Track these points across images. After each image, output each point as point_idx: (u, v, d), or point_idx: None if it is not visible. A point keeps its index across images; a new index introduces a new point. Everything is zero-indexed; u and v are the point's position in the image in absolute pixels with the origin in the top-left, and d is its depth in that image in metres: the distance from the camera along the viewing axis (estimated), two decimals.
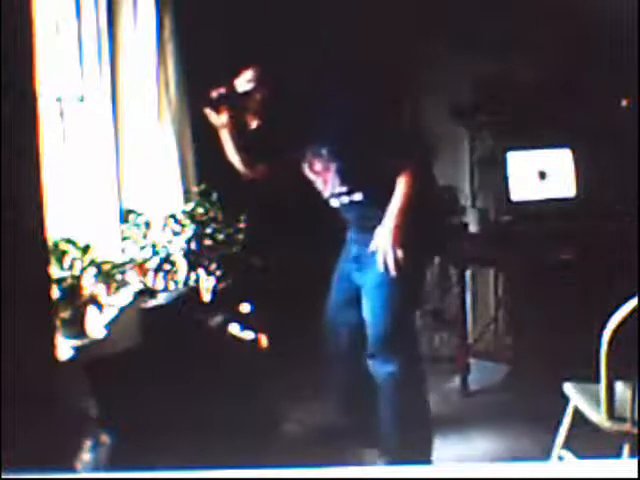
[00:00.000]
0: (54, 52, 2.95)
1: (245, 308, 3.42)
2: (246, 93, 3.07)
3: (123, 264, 2.96)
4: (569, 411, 2.85)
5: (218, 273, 3.32)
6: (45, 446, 1.90)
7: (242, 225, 3.40)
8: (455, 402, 3.98)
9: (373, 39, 4.09)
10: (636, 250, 3.35)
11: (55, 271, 2.53)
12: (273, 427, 3.27)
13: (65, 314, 2.57)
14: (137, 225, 3.26)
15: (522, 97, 4.25)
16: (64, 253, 2.61)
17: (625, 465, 2.09)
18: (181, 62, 3.60)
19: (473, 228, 4.24)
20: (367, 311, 3.06)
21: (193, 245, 3.26)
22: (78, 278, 2.62)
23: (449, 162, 4.43)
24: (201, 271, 3.29)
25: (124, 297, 2.98)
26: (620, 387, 2.66)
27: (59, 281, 2.55)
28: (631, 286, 2.64)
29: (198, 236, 3.28)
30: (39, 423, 1.91)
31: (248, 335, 3.30)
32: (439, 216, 3.33)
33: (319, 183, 3.15)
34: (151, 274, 3.19)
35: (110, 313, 2.81)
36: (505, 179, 4.12)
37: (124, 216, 3.30)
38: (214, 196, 3.40)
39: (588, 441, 2.73)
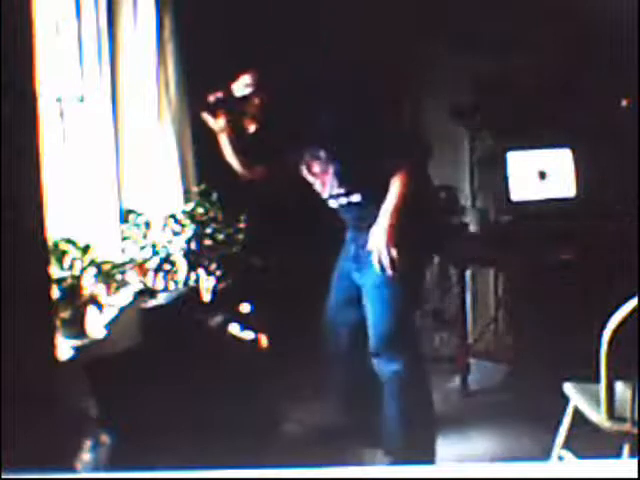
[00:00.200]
0: (54, 52, 2.95)
1: (245, 308, 3.42)
2: (244, 97, 3.07)
3: (123, 264, 2.96)
4: (569, 411, 2.85)
5: (218, 273, 3.32)
6: (45, 446, 1.90)
7: (242, 225, 3.40)
8: (455, 402, 3.98)
9: (373, 39, 4.08)
10: (636, 250, 3.35)
11: (55, 271, 2.53)
12: (273, 427, 3.27)
13: (65, 314, 2.57)
14: (137, 225, 3.26)
15: (522, 97, 4.25)
16: (64, 253, 2.61)
17: (625, 465, 2.09)
18: (181, 62, 3.60)
19: (473, 228, 4.24)
20: (369, 311, 3.07)
21: (193, 245, 3.26)
22: (78, 278, 2.62)
23: (449, 162, 4.43)
24: (201, 271, 3.29)
25: (124, 297, 2.98)
26: (620, 387, 2.66)
27: (59, 281, 2.54)
28: (631, 286, 2.64)
29: (198, 236, 3.28)
30: (39, 423, 1.91)
31: (248, 335, 3.30)
32: (436, 215, 3.33)
33: (317, 185, 3.16)
34: (151, 274, 3.20)
35: (110, 313, 2.81)
36: (505, 179, 4.12)
37: (124, 216, 3.30)
38: (214, 196, 3.40)
39: (588, 441, 2.73)
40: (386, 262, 2.92)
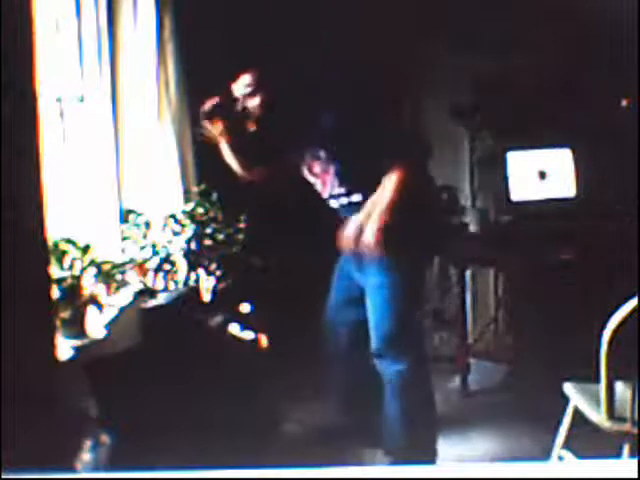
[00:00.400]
0: (54, 52, 2.95)
1: (245, 308, 3.42)
2: (245, 96, 3.06)
3: (123, 264, 2.96)
4: (569, 411, 2.85)
5: (218, 273, 3.32)
6: (45, 446, 1.90)
7: (242, 225, 3.40)
8: (455, 402, 3.98)
9: (373, 39, 4.08)
10: (636, 250, 3.35)
11: (55, 271, 2.53)
12: (273, 427, 3.27)
13: (65, 314, 2.57)
14: (137, 225, 3.26)
15: (522, 97, 4.25)
16: (64, 253, 2.61)
17: (625, 465, 2.09)
18: (181, 62, 3.60)
19: (473, 228, 4.24)
20: (371, 311, 3.06)
21: (193, 245, 3.26)
22: (78, 278, 2.62)
23: (449, 162, 4.43)
24: (201, 271, 3.29)
25: (124, 297, 2.98)
26: (620, 387, 2.66)
27: (59, 281, 2.54)
28: (631, 286, 2.64)
29: (198, 236, 3.28)
30: (39, 423, 1.91)
31: (248, 335, 3.30)
32: (438, 215, 3.33)
33: (318, 185, 3.16)
34: (151, 274, 3.20)
35: (110, 313, 2.81)
36: (505, 179, 4.12)
37: (124, 216, 3.30)
38: (214, 196, 3.40)
39: (588, 441, 2.73)
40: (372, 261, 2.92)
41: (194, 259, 3.26)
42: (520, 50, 4.12)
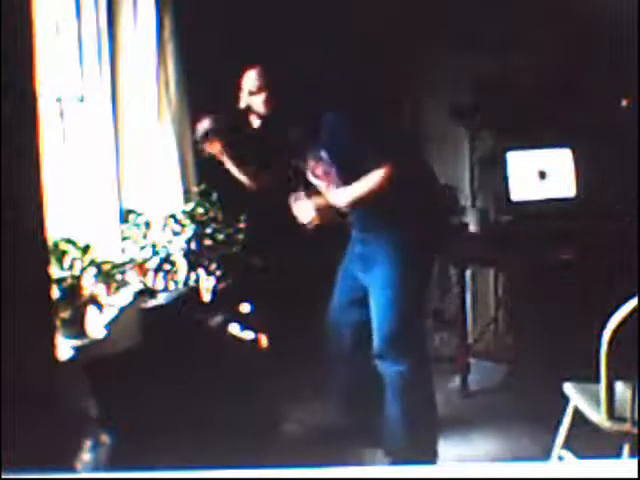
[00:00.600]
0: (54, 52, 2.95)
1: (245, 308, 3.42)
2: (249, 93, 3.05)
3: (123, 264, 2.96)
4: (569, 411, 2.85)
5: (218, 273, 3.32)
6: (45, 446, 1.90)
7: (242, 225, 3.40)
8: (455, 402, 3.98)
9: (373, 39, 4.08)
10: (636, 250, 3.35)
11: (55, 271, 2.53)
12: (273, 427, 3.27)
13: (65, 314, 2.57)
14: (137, 225, 3.26)
15: (522, 97, 4.25)
16: (64, 253, 2.61)
17: (625, 465, 2.09)
18: (181, 62, 3.60)
19: (473, 228, 4.24)
20: (374, 311, 3.06)
21: (193, 245, 3.26)
22: (78, 278, 2.62)
23: (449, 162, 4.43)
24: (201, 271, 3.29)
25: (124, 297, 2.98)
26: (620, 387, 2.66)
27: (59, 281, 2.55)
28: (631, 286, 2.64)
29: (198, 236, 3.28)
30: (39, 423, 1.91)
31: (248, 335, 3.30)
32: (441, 215, 3.31)
33: (322, 187, 3.14)
34: (151, 274, 3.20)
35: (110, 313, 2.81)
36: (505, 179, 4.12)
37: (124, 216, 3.30)
38: (214, 196, 3.40)
39: (588, 441, 2.73)
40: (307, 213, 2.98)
41: (194, 259, 3.26)
42: (520, 50, 4.12)
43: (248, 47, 3.63)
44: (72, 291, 2.58)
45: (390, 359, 3.03)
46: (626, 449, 2.59)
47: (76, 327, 2.62)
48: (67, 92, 3.06)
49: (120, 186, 3.35)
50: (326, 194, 3.07)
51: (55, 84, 2.97)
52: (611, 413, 2.60)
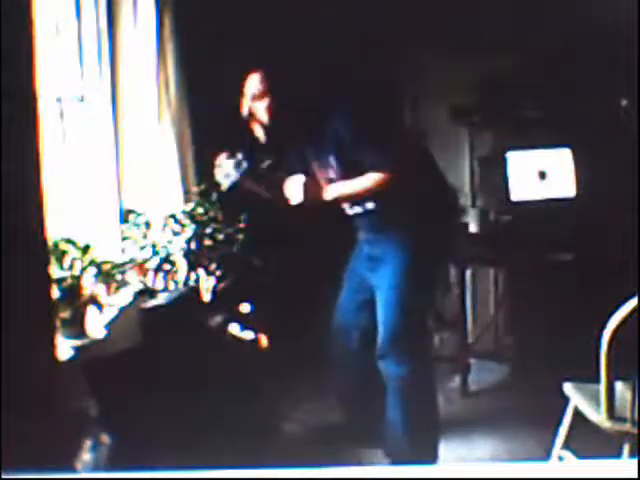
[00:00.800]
0: (54, 52, 2.95)
1: (245, 308, 3.42)
2: (253, 98, 3.03)
3: (123, 264, 2.97)
4: (569, 411, 2.85)
5: (218, 273, 3.32)
6: (45, 446, 1.90)
7: (242, 225, 3.40)
8: (455, 402, 3.98)
9: (373, 39, 4.08)
10: (636, 250, 3.35)
11: (55, 271, 2.53)
12: (273, 427, 3.27)
13: (65, 314, 2.57)
14: (137, 225, 3.26)
15: (522, 97, 4.25)
16: (64, 253, 2.61)
17: (625, 465, 2.09)
18: (181, 62, 3.60)
19: (473, 228, 4.24)
20: (379, 311, 3.06)
21: (193, 245, 3.26)
22: (78, 278, 2.62)
23: (449, 162, 4.43)
24: (201, 271, 3.29)
25: (124, 297, 2.98)
26: (620, 387, 2.66)
27: (59, 281, 2.55)
28: (631, 286, 2.64)
29: (198, 236, 3.28)
30: (39, 423, 1.91)
31: (248, 335, 3.30)
32: (450, 216, 3.30)
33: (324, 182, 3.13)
34: (151, 274, 3.20)
35: (110, 313, 2.81)
36: (505, 179, 4.12)
37: (124, 216, 3.30)
38: (214, 196, 3.40)
39: (588, 441, 2.73)
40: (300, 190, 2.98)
41: (194, 259, 3.26)
42: (520, 50, 4.11)
43: (248, 47, 3.63)
44: (72, 291, 2.59)
45: (393, 360, 3.03)
46: (626, 449, 2.59)
47: (76, 327, 2.62)
48: (67, 92, 3.06)
49: (120, 186, 3.35)
50: (323, 185, 3.06)
51: (55, 84, 2.97)
52: (611, 413, 2.60)
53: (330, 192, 3.06)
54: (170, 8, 3.55)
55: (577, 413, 2.80)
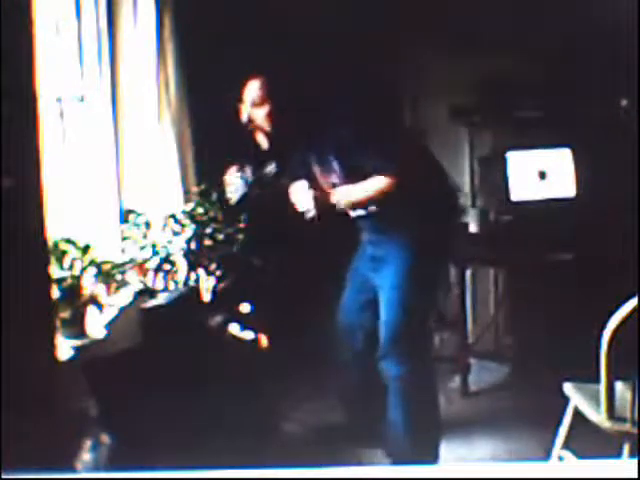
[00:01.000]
0: (54, 52, 2.95)
1: (245, 308, 3.42)
2: (252, 105, 3.02)
3: (123, 264, 2.97)
4: (569, 411, 2.85)
5: (218, 273, 3.32)
6: (45, 446, 1.90)
7: (242, 225, 3.40)
8: (455, 402, 3.98)
9: (373, 39, 4.08)
10: (636, 250, 3.35)
11: (55, 271, 2.53)
12: (273, 427, 3.27)
13: (65, 314, 2.57)
14: (137, 225, 3.26)
15: (522, 97, 4.25)
16: (64, 253, 2.61)
17: (625, 465, 2.09)
18: (181, 62, 3.60)
19: (473, 228, 4.24)
20: (381, 311, 3.06)
21: (193, 245, 3.26)
22: (78, 278, 2.62)
23: (449, 162, 4.43)
24: (201, 271, 3.29)
25: (124, 297, 2.98)
26: (620, 387, 2.66)
27: (59, 281, 2.55)
28: (631, 286, 2.64)
29: (198, 236, 3.28)
30: (39, 423, 1.91)
31: (248, 335, 3.30)
32: (454, 218, 3.30)
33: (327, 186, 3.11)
34: (151, 274, 3.20)
35: (110, 313, 2.81)
36: (505, 179, 4.12)
37: (124, 216, 3.30)
38: (214, 196, 3.40)
39: (588, 441, 2.73)
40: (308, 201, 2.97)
41: (194, 259, 3.26)
42: (520, 50, 4.11)
43: (248, 47, 3.63)
44: (72, 291, 2.59)
45: (394, 360, 3.03)
46: (626, 449, 2.59)
47: (76, 327, 2.62)
48: (67, 92, 3.06)
49: (120, 186, 3.35)
50: (330, 192, 3.06)
51: (55, 84, 2.97)
52: (611, 413, 2.60)
53: (337, 198, 3.05)
54: (170, 8, 3.55)
55: (577, 413, 2.80)
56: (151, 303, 2.98)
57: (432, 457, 3.09)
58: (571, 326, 3.81)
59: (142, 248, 3.21)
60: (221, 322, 3.25)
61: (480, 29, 4.12)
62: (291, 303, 3.84)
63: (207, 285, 3.31)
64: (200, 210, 3.35)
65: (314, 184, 3.09)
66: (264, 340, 3.36)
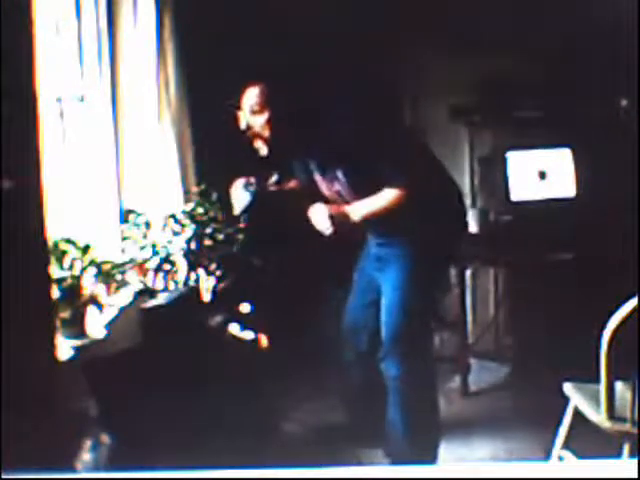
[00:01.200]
0: (54, 52, 2.95)
1: (245, 308, 3.42)
2: (251, 113, 3.01)
3: (123, 264, 2.96)
4: (569, 411, 2.85)
5: (218, 273, 3.32)
6: (45, 446, 1.90)
7: (242, 225, 3.40)
8: (455, 402, 3.98)
9: (373, 39, 4.08)
10: (636, 250, 3.35)
11: (55, 271, 2.53)
12: (273, 427, 3.27)
13: (65, 314, 2.57)
14: (137, 225, 3.26)
15: (522, 97, 4.25)
16: (64, 253, 2.61)
17: (625, 465, 2.09)
18: (181, 62, 3.60)
19: (473, 228, 4.24)
20: (383, 312, 3.06)
21: (193, 245, 3.26)
22: (78, 278, 2.62)
23: (449, 162, 4.42)
24: (201, 271, 3.29)
25: (124, 297, 2.98)
26: (620, 387, 2.66)
27: (59, 281, 2.55)
28: (631, 286, 2.64)
29: (198, 236, 3.28)
30: (39, 423, 1.91)
31: (248, 335, 3.30)
32: (457, 220, 3.30)
33: (339, 202, 3.09)
34: (151, 274, 3.20)
35: (110, 313, 2.81)
36: (505, 179, 4.12)
37: (124, 216, 3.30)
38: (214, 196, 3.40)
39: (588, 441, 2.73)
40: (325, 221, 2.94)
41: (194, 259, 3.26)
42: (520, 50, 4.11)
43: (248, 47, 3.63)
44: (72, 291, 2.59)
45: (394, 360, 3.03)
46: (626, 449, 2.59)
47: (76, 327, 2.62)
48: (67, 92, 3.06)
49: (120, 186, 3.35)
50: (342, 207, 3.04)
51: (55, 84, 2.97)
52: (611, 413, 2.60)
53: (354, 214, 3.00)
54: (170, 8, 3.55)
55: (577, 413, 2.80)
56: (151, 303, 2.98)
57: (431, 457, 3.09)
58: (571, 326, 3.81)
59: (142, 248, 3.21)
60: (221, 322, 3.25)
61: (480, 29, 4.12)
62: (291, 303, 3.85)
63: (207, 285, 3.31)
64: (200, 210, 3.35)
65: (326, 200, 3.07)
66: (264, 340, 3.36)
